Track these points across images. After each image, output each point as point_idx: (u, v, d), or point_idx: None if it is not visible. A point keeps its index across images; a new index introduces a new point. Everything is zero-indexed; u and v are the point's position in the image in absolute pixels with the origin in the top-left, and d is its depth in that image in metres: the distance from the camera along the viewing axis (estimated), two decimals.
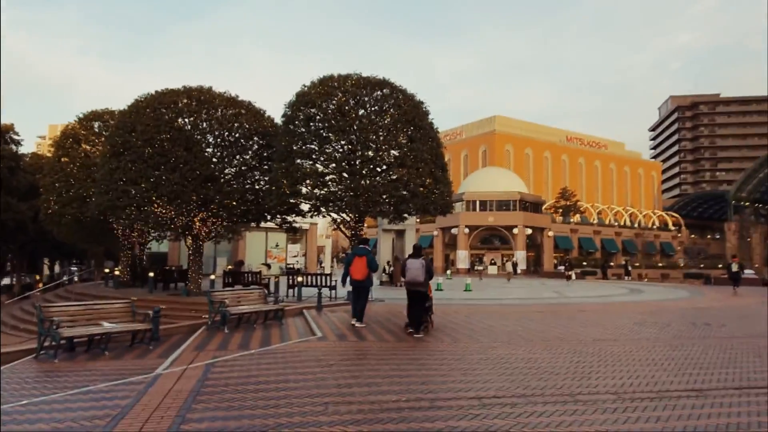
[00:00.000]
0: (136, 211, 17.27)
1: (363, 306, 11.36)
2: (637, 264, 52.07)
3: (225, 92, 19.27)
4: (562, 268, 49.37)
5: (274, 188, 16.68)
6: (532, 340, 9.81)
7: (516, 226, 53.69)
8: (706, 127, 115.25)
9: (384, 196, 17.10)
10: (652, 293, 23.88)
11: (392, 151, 17.26)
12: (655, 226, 71.17)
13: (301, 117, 17.07)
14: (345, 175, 16.97)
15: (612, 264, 58.22)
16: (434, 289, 24.52)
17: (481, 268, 54.45)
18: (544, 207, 61.73)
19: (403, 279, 10.83)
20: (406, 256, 11.89)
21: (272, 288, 18.80)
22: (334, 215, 18.23)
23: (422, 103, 17.94)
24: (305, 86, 17.63)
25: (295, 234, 21.75)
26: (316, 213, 18.25)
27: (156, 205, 17.18)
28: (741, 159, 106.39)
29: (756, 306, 18.06)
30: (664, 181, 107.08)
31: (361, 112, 17.25)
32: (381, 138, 16.93)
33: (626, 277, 41.72)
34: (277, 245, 40.16)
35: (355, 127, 16.89)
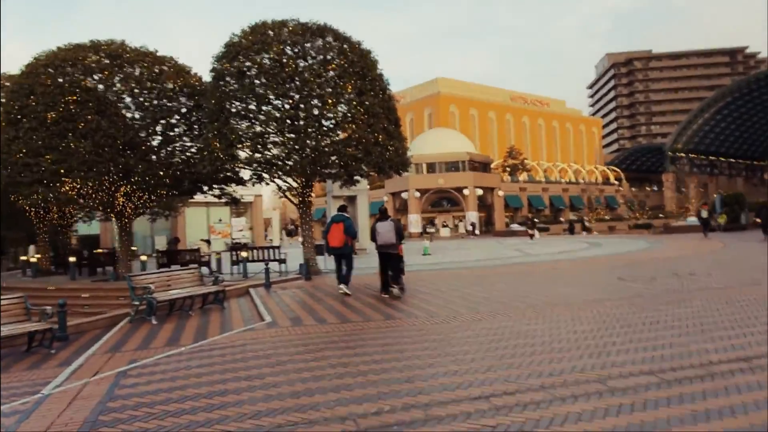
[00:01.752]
0: (43, 188, 14.73)
1: (348, 273, 10.90)
2: (586, 218, 52.56)
3: (142, 47, 16.67)
4: (515, 226, 49.28)
5: (206, 153, 14.51)
6: (518, 307, 8.48)
7: (466, 187, 52.98)
8: (640, 82, 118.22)
9: (333, 157, 15.32)
10: (613, 246, 23.38)
11: (340, 107, 15.41)
12: (598, 181, 72.50)
13: (233, 71, 14.86)
14: (288, 135, 15.04)
15: (562, 219, 58.79)
16: (422, 254, 23.46)
17: (433, 230, 53.75)
18: (492, 166, 61.37)
19: (374, 243, 10.59)
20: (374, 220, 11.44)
21: (214, 266, 16.88)
22: (279, 182, 16.30)
23: (370, 52, 16.03)
24: (235, 35, 15.36)
25: (237, 206, 19.65)
26: (258, 180, 16.25)
27: (67, 180, 14.70)
28: (674, 112, 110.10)
29: (723, 251, 17.67)
30: (604, 137, 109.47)
31: (302, 63, 15.21)
32: (326, 92, 15.00)
33: (583, 233, 41.85)
34: (220, 220, 37.63)
35: (296, 82, 14.89)
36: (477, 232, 48.36)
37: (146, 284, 9.24)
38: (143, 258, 15.83)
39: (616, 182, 74.84)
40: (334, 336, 6.95)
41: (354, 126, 15.08)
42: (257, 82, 15.02)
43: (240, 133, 14.30)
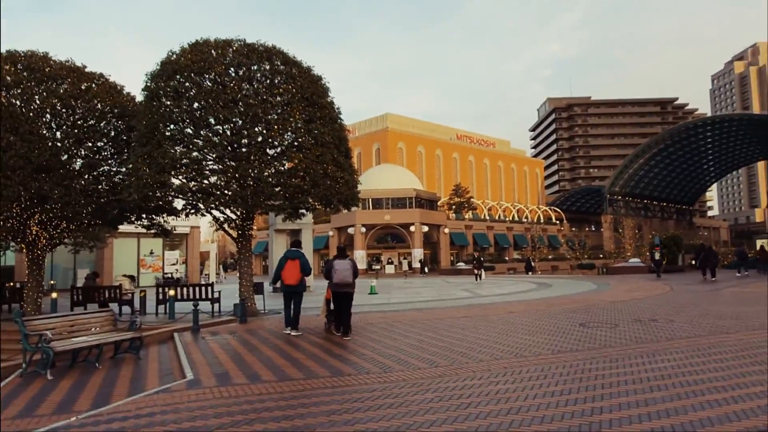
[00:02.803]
0: None
1: (297, 312, 10.75)
2: (529, 257, 53.11)
3: (67, 61, 15.15)
4: (461, 264, 49.01)
5: (133, 179, 13.03)
6: (481, 360, 7.52)
7: (413, 224, 52.59)
8: (580, 127, 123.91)
9: (277, 188, 14.19)
10: (563, 287, 23.09)
11: (287, 134, 14.38)
12: (541, 221, 74.10)
13: (169, 91, 13.61)
14: (228, 162, 13.83)
15: (507, 258, 59.26)
16: (368, 293, 22.22)
17: (378, 267, 52.77)
18: (438, 204, 61.48)
19: (330, 282, 10.37)
20: (331, 257, 11.21)
21: (137, 305, 15.13)
22: (216, 213, 14.95)
23: (321, 78, 15.20)
24: (172, 53, 14.16)
25: (167, 237, 17.95)
26: (193, 211, 14.88)
27: None
28: (611, 157, 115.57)
29: (672, 294, 17.52)
30: (546, 178, 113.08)
31: (247, 87, 14.16)
32: (272, 118, 13.96)
33: (529, 272, 41.91)
34: (151, 252, 35.15)
35: (240, 106, 13.81)
36: (426, 269, 47.72)
37: (43, 330, 7.68)
38: (54, 295, 13.92)
39: (558, 222, 76.75)
40: (268, 401, 5.71)
41: (301, 155, 14.08)
42: (196, 104, 13.86)
43: (173, 158, 12.95)
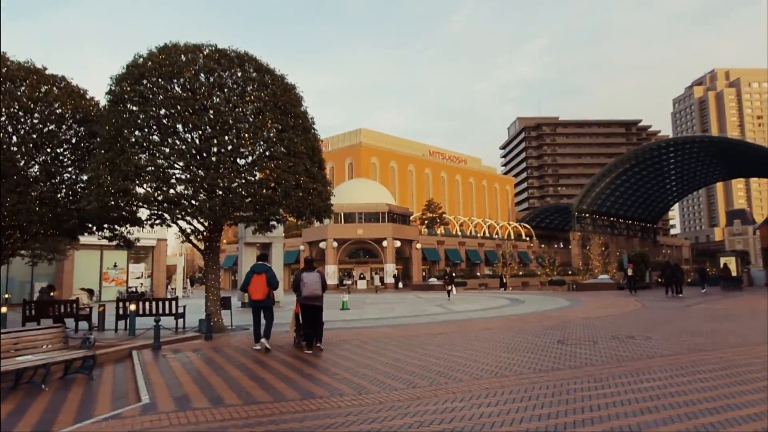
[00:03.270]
0: None
1: (268, 327, 10.46)
2: (501, 273, 53.28)
3: (27, 62, 14.39)
4: (433, 279, 48.75)
5: (93, 187, 12.33)
6: (462, 380, 7.15)
7: (385, 239, 52.26)
8: (548, 146, 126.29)
9: (248, 199, 13.66)
10: (535, 303, 22.98)
11: (258, 143, 13.89)
12: (511, 237, 74.70)
13: (135, 96, 13.01)
14: (196, 171, 13.24)
15: (479, 274, 59.34)
16: (340, 308, 21.66)
17: (350, 282, 52.12)
18: (410, 219, 61.36)
19: (299, 295, 10.25)
20: (301, 269, 10.81)
21: (96, 321, 14.31)
22: (183, 224, 14.31)
23: (294, 87, 14.80)
24: (139, 56, 13.59)
25: (130, 249, 17.10)
26: (158, 221, 14.23)
27: None
28: (578, 175, 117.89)
29: (644, 311, 17.52)
30: (516, 195, 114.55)
31: (218, 93, 13.66)
32: (243, 126, 13.47)
33: (501, 288, 41.90)
34: (115, 265, 33.82)
35: (210, 113, 13.30)
36: (400, 284, 47.23)
37: None
38: (3, 309, 13.01)
39: (528, 239, 77.51)
40: (231, 428, 5.19)
41: (273, 165, 13.61)
42: (163, 110, 13.27)
43: (137, 165, 12.30)
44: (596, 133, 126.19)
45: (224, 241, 62.35)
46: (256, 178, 14.24)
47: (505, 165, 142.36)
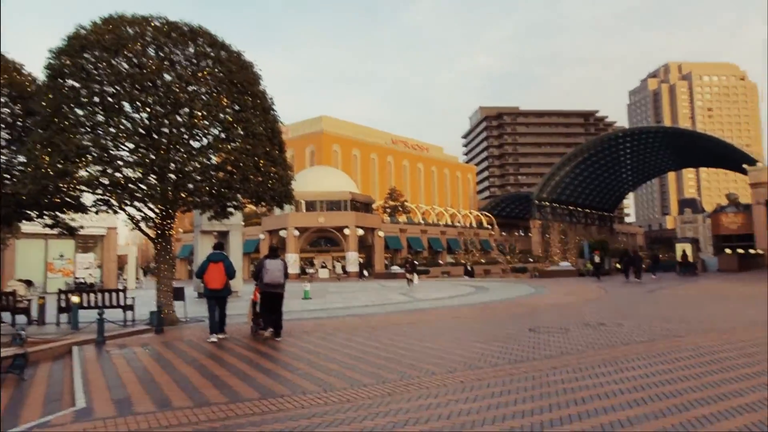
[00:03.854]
0: None
1: (223, 317, 10.30)
2: (463, 261, 53.55)
3: None
4: (396, 268, 48.43)
5: (30, 168, 11.24)
6: (434, 373, 6.66)
7: (347, 227, 51.55)
8: (509, 135, 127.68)
9: (202, 182, 12.80)
10: (500, 291, 22.86)
11: (213, 124, 13.01)
12: (473, 225, 75.19)
13: (75, 70, 11.91)
14: (145, 152, 12.28)
15: (441, 262, 59.43)
16: (302, 297, 20.90)
17: (312, 271, 51.33)
18: (373, 207, 60.83)
19: (260, 282, 10.13)
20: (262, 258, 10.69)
21: (35, 314, 13.22)
22: (132, 210, 13.32)
23: (252, 65, 13.93)
24: (81, 27, 12.44)
25: (72, 236, 15.85)
26: (104, 207, 13.21)
27: None
28: (538, 164, 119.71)
29: (609, 297, 17.55)
30: (477, 183, 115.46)
31: (169, 69, 12.68)
32: (197, 104, 12.57)
33: (466, 276, 41.93)
34: (61, 256, 32.02)
35: (160, 91, 12.34)
36: (365, 273, 46.39)
37: None
38: None
39: (489, 227, 78.19)
40: None
41: (229, 147, 12.77)
42: (108, 87, 12.22)
43: (79, 145, 11.27)
44: (556, 122, 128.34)
45: (180, 230, 60.39)
46: (212, 161, 13.39)
47: (466, 154, 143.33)
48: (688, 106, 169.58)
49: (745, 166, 48.95)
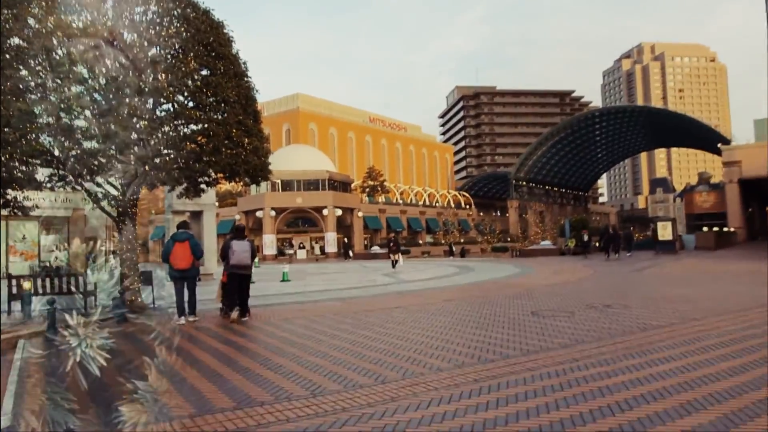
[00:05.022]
0: None
1: (192, 300, 9.84)
2: (443, 241, 53.00)
3: None
4: (376, 248, 47.55)
5: None
6: (440, 369, 5.74)
7: (325, 207, 50.40)
8: (486, 115, 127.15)
9: (168, 155, 11.58)
10: (486, 271, 22.15)
11: (180, 89, 11.73)
12: (451, 205, 74.69)
13: (18, 27, 10.49)
14: (103, 121, 10.95)
15: (420, 242, 58.80)
16: (281, 280, 19.75)
17: (291, 252, 50.20)
18: (351, 187, 59.69)
19: (227, 264, 9.85)
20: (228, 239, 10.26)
21: None
22: (91, 185, 12.03)
23: (223, 24, 12.62)
24: None
25: (26, 215, 14.43)
26: (60, 183, 11.94)
27: None
28: (514, 144, 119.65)
29: (600, 276, 16.94)
30: (455, 163, 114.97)
31: (129, 29, 11.32)
32: (161, 68, 11.28)
33: (451, 257, 41.31)
34: (23, 238, 30.18)
35: (121, 59, 10.99)
36: (351, 253, 45.11)
37: None
38: None
39: (467, 207, 77.83)
40: None
41: (198, 115, 11.53)
42: (60, 48, 10.81)
43: (22, 110, 9.91)
44: (532, 102, 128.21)
45: (153, 210, 58.34)
46: (180, 131, 12.14)
47: (444, 134, 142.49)
48: (660, 86, 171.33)
49: (719, 145, 49.19)
